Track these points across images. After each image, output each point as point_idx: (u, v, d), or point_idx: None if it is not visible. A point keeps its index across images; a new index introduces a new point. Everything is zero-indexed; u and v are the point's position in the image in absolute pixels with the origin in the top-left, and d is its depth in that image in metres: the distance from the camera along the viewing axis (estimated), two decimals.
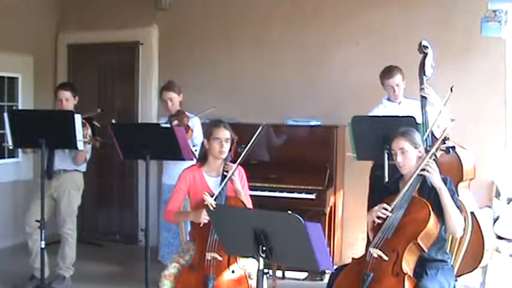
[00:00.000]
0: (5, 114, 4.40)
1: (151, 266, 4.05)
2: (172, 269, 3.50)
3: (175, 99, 4.97)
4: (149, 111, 6.39)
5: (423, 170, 3.17)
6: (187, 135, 4.63)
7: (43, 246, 4.35)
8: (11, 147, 4.61)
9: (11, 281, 4.93)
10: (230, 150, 3.70)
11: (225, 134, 3.66)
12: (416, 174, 3.19)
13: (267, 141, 5.21)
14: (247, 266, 3.47)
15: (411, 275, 3.06)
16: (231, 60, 6.06)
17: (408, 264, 3.08)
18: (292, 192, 4.92)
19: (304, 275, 5.05)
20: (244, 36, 5.98)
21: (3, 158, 6.36)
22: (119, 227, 6.70)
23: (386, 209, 3.17)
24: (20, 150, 6.04)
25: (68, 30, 6.81)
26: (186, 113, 4.97)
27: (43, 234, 4.33)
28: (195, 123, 4.92)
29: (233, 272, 3.42)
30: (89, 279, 5.15)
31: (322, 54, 5.66)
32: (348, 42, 5.55)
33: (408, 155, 3.25)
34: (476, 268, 4.18)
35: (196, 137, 4.83)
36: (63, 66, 6.87)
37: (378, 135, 3.81)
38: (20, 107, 6.40)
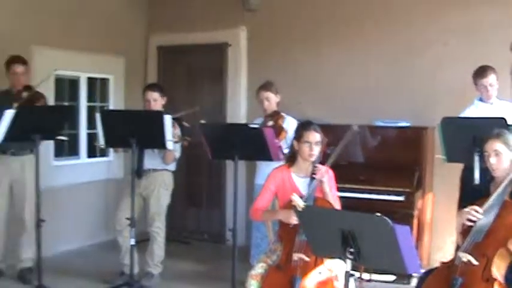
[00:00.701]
0: (97, 115, 4.54)
1: (238, 266, 4.11)
2: (259, 268, 3.53)
3: (272, 99, 5.02)
4: (238, 112, 6.50)
5: None
6: (281, 137, 4.69)
7: (133, 243, 4.48)
8: (102, 147, 4.75)
9: (102, 277, 5.11)
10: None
11: (315, 137, 3.66)
12: (510, 177, 3.15)
13: (356, 142, 5.18)
14: (334, 267, 3.44)
15: (502, 281, 3.01)
16: (319, 61, 6.10)
17: (499, 270, 3.03)
18: (381, 194, 4.93)
19: (392, 278, 5.02)
20: (332, 36, 6.01)
21: (95, 157, 6.58)
22: (207, 226, 6.78)
23: (477, 211, 3.11)
24: (111, 149, 6.17)
25: (158, 32, 6.97)
26: (282, 113, 5.01)
27: (133, 232, 4.46)
28: (290, 123, 4.88)
29: (320, 273, 3.41)
30: (177, 277, 5.26)
31: (410, 54, 5.64)
32: (436, 43, 5.50)
33: (502, 157, 3.21)
34: None
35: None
36: (153, 68, 7.04)
37: (468, 137, 3.76)
38: (111, 107, 6.60)
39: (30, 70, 5.21)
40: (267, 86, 5.05)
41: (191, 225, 6.88)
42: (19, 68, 4.99)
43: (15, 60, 5.01)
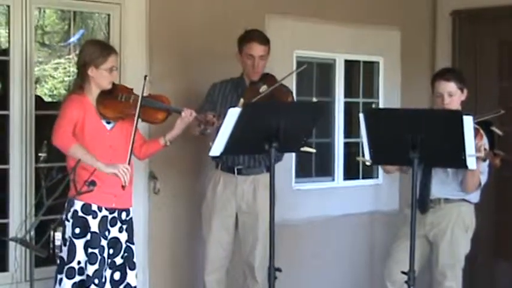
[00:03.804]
0: (361, 115, 4.46)
1: None
2: None
3: None
4: None
5: None
6: None
7: None
8: (368, 164, 4.73)
9: None
10: None
11: None
12: None
13: None
14: None
15: None
16: None
17: None
18: None
19: None
20: None
21: (356, 178, 6.74)
22: None
23: None
24: (379, 167, 6.29)
25: None
26: None
27: None
28: None
29: None
30: None
31: None
32: None
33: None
34: None
35: None
36: (445, 44, 6.99)
37: None
38: (381, 105, 6.71)
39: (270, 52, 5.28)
40: None
41: (501, 285, 6.73)
42: (258, 49, 5.10)
43: (253, 37, 5.13)
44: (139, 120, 4.51)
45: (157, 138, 4.69)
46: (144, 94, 4.51)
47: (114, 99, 4.54)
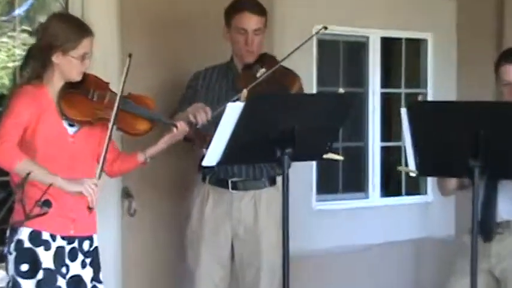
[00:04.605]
0: (403, 111, 4.40)
1: None
2: None
3: None
4: None
5: None
6: None
7: None
8: (413, 174, 4.59)
9: None
10: None
11: None
12: None
13: None
14: None
15: None
16: None
17: None
18: None
19: None
20: None
21: (398, 194, 6.97)
22: None
23: None
24: (428, 180, 6.44)
25: None
26: None
27: None
28: None
29: None
30: None
31: None
32: None
33: None
34: None
35: None
36: None
37: None
38: (429, 96, 6.87)
39: (268, 26, 5.29)
40: None
41: None
42: (252, 21, 5.15)
43: (245, 5, 5.16)
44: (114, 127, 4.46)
45: (135, 153, 4.64)
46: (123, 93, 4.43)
47: (83, 96, 4.45)
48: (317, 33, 5.15)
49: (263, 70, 5.05)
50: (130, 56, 4.47)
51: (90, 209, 4.24)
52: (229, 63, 5.29)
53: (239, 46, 5.17)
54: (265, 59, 5.19)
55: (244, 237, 5.21)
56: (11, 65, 8.37)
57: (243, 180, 5.19)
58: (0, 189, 4.14)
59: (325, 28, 5.15)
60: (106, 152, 4.35)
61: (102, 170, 4.33)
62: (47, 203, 3.94)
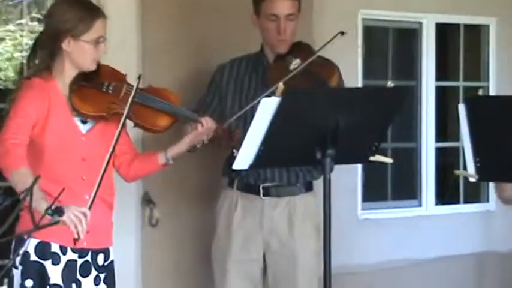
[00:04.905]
0: (461, 106, 4.47)
1: None
2: None
3: None
4: None
5: None
6: None
7: None
8: (473, 179, 4.62)
9: None
10: None
11: None
12: None
13: None
14: None
15: None
16: None
17: None
18: None
19: None
20: None
21: (456, 202, 7.03)
22: None
23: None
24: (490, 185, 6.51)
25: None
26: None
27: None
28: None
29: None
30: None
31: None
32: None
33: None
34: None
35: None
36: None
37: None
38: (491, 91, 6.91)
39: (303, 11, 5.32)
40: None
41: None
42: (284, 5, 5.16)
43: None
44: (130, 123, 4.42)
45: (155, 153, 4.57)
46: (141, 85, 4.39)
47: (97, 88, 4.40)
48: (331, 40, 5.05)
49: (297, 61, 5.08)
50: (139, 77, 4.44)
51: (75, 240, 4.02)
52: (258, 53, 5.28)
53: (270, 35, 5.18)
54: (299, 49, 5.19)
55: (277, 250, 5.22)
56: (17, 55, 8.39)
57: (275, 185, 5.21)
58: (8, 195, 3.97)
59: (342, 34, 5.07)
60: (113, 150, 4.24)
61: (103, 176, 4.15)
62: (59, 211, 3.78)
